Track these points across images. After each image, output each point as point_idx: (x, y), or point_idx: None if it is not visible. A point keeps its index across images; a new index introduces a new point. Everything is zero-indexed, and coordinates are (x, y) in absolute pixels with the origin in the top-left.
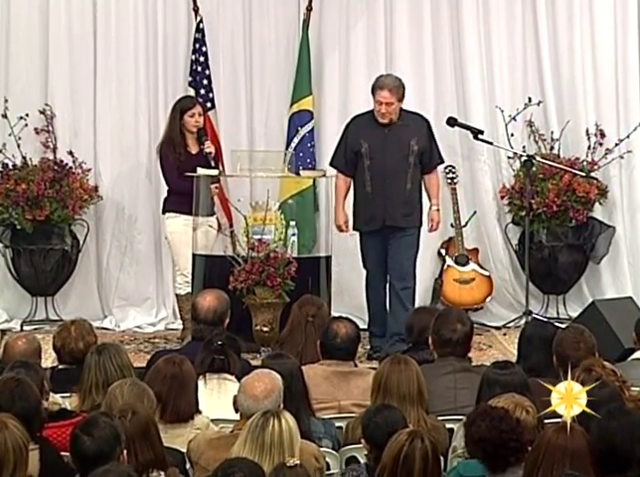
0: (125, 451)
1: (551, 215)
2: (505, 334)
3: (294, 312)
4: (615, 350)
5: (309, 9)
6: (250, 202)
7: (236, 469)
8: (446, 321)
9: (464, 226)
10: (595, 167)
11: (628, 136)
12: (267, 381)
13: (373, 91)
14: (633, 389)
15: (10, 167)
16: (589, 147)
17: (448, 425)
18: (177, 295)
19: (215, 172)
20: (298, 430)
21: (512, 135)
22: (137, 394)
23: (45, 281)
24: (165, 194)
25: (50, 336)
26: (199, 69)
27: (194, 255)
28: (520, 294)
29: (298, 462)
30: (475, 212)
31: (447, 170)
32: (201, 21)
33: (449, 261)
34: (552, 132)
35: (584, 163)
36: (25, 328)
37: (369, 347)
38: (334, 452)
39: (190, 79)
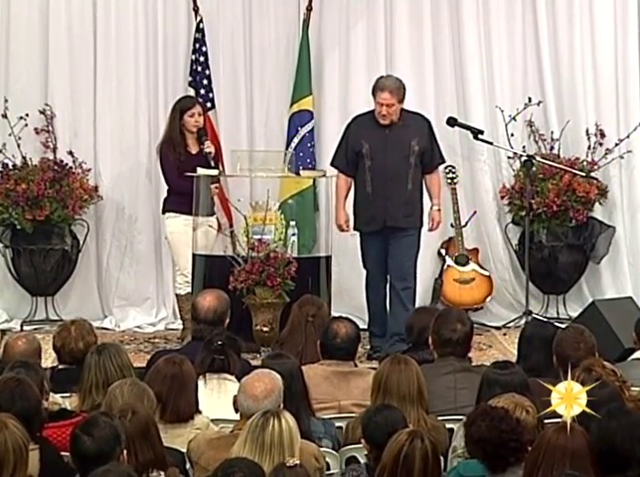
0: (125, 451)
1: (551, 215)
2: (505, 334)
3: (294, 312)
4: (615, 350)
5: (309, 9)
6: (250, 202)
7: (236, 469)
8: (446, 321)
9: (464, 226)
10: (595, 167)
11: (628, 136)
12: (267, 381)
13: (373, 93)
14: (633, 389)
15: (10, 167)
16: (589, 147)
17: (448, 425)
18: (177, 295)
19: (215, 172)
20: (298, 430)
21: (512, 135)
22: (137, 394)
23: (45, 281)
24: (165, 194)
25: (50, 336)
26: (199, 69)
27: (194, 255)
28: (520, 294)
29: (298, 462)
30: (475, 212)
31: (447, 170)
32: (201, 21)
33: (449, 261)
34: (552, 132)
35: (584, 163)
36: (25, 328)
37: (369, 347)
38: (334, 452)
39: (190, 78)
